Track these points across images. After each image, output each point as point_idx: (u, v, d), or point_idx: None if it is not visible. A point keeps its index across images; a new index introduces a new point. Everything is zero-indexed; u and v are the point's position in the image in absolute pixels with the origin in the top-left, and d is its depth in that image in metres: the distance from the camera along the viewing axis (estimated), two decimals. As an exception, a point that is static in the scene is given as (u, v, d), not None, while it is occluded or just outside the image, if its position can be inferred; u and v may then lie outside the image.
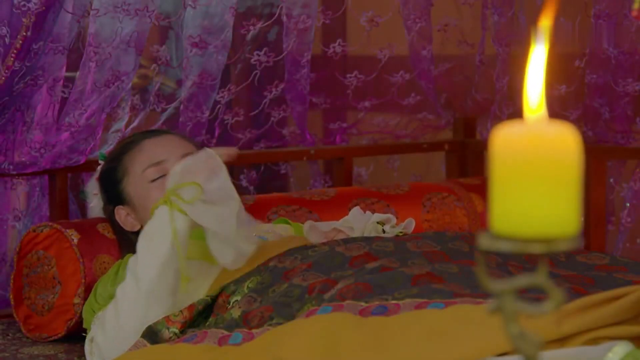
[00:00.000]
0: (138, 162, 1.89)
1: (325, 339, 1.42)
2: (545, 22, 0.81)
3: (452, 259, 1.64)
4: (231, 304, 1.63)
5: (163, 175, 1.82)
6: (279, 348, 1.44)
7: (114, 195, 1.92)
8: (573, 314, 1.34)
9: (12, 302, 1.99)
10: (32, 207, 2.13)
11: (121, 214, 1.90)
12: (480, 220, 2.31)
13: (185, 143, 1.93)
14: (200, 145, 1.97)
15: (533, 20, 2.39)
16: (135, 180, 1.88)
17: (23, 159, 2.06)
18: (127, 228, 1.90)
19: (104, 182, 1.94)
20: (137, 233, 1.81)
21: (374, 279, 1.55)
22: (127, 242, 1.91)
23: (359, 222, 1.90)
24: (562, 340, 1.32)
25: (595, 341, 1.33)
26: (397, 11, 2.40)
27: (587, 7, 2.36)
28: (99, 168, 1.97)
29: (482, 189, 2.36)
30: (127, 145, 1.94)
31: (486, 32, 2.48)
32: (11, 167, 2.05)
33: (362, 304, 1.47)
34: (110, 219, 1.95)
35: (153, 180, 1.86)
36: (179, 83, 2.28)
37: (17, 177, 2.09)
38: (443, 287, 1.49)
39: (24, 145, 2.05)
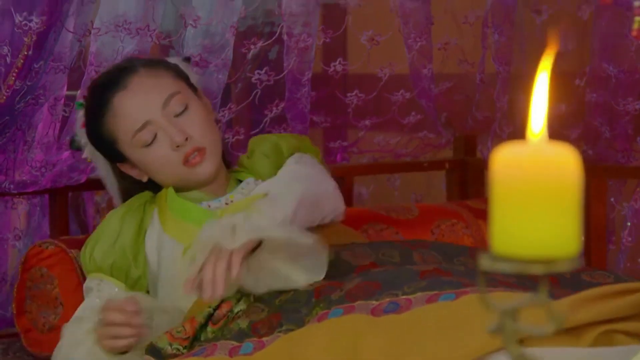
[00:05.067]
0: (120, 129, 1.80)
1: (343, 347, 1.41)
2: (547, 64, 0.81)
3: (459, 276, 1.64)
4: (236, 313, 1.61)
5: (156, 135, 1.78)
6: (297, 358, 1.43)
7: (111, 155, 1.87)
8: (589, 302, 1.34)
9: (14, 312, 1.99)
10: (32, 227, 2.13)
11: (125, 167, 1.87)
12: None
13: (156, 80, 1.81)
14: (173, 65, 1.88)
15: (533, 40, 2.40)
16: (129, 146, 1.81)
17: (24, 178, 2.06)
18: (136, 177, 1.86)
19: (95, 143, 1.86)
20: (143, 183, 1.84)
21: (381, 276, 1.55)
22: (133, 189, 1.89)
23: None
24: (576, 329, 1.31)
25: (608, 334, 1.32)
26: (397, 30, 2.40)
27: (587, 25, 2.36)
28: (81, 114, 1.90)
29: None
30: (98, 107, 1.82)
31: (486, 51, 2.48)
32: (12, 186, 2.05)
33: (373, 302, 1.47)
34: (112, 170, 1.92)
35: (148, 145, 1.79)
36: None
37: (17, 196, 2.10)
38: (452, 279, 1.50)
39: (24, 165, 2.05)
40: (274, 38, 2.30)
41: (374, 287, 1.51)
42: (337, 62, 2.41)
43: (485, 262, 0.84)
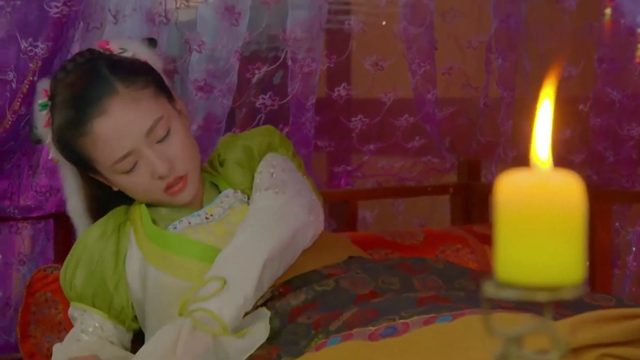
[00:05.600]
0: (99, 155, 1.70)
1: None
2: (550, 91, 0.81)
3: (457, 302, 1.63)
4: None
5: (137, 162, 1.70)
6: None
7: (82, 167, 1.77)
8: (589, 324, 1.33)
9: (18, 336, 1.98)
10: (36, 251, 2.13)
11: (97, 176, 1.77)
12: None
13: (138, 105, 1.69)
14: (148, 72, 1.75)
15: (537, 64, 2.41)
16: (106, 170, 1.72)
17: (28, 203, 2.06)
18: (106, 183, 1.78)
19: (66, 156, 1.76)
20: (113, 192, 1.77)
21: (379, 304, 1.55)
22: (101, 196, 1.81)
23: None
24: (575, 351, 1.31)
25: (606, 359, 1.32)
26: (401, 55, 2.41)
27: (590, 51, 2.37)
28: (44, 113, 1.77)
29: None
30: (74, 126, 1.70)
31: (490, 75, 2.49)
32: (16, 211, 2.05)
33: (370, 328, 1.46)
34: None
35: (128, 172, 1.72)
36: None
37: (22, 221, 2.10)
38: (450, 305, 1.49)
39: (29, 190, 2.06)
40: (278, 63, 2.30)
41: (371, 315, 1.51)
42: (341, 87, 2.41)
43: (489, 289, 0.84)
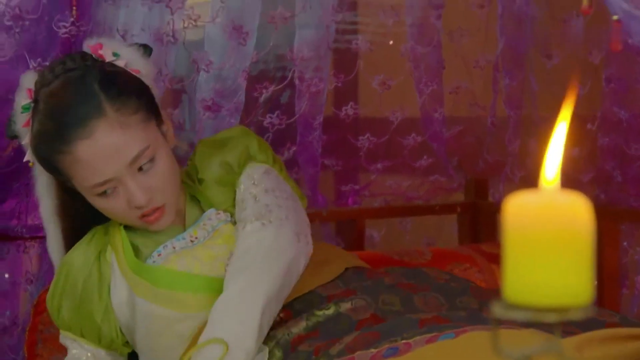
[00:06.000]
0: (78, 175, 1.62)
1: None
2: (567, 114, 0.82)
3: (458, 321, 1.63)
4: None
5: (116, 187, 1.62)
6: None
7: (64, 182, 1.70)
8: (596, 343, 1.33)
9: (26, 355, 1.98)
10: (44, 270, 2.13)
11: (74, 186, 1.69)
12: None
13: (126, 132, 1.59)
14: (139, 93, 1.65)
15: (544, 83, 2.41)
16: (83, 189, 1.65)
17: (36, 222, 2.07)
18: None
19: (44, 166, 1.68)
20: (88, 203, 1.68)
21: (381, 327, 1.54)
22: (76, 207, 1.73)
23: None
24: None
25: None
26: (409, 74, 2.42)
27: (598, 70, 2.37)
28: (25, 115, 1.69)
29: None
30: (56, 144, 1.61)
31: (497, 94, 2.49)
32: (24, 230, 2.05)
33: (372, 350, 1.46)
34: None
35: (106, 195, 1.64)
36: (192, 146, 2.29)
37: (29, 240, 2.10)
38: (451, 324, 1.49)
39: (37, 209, 2.06)
40: (285, 82, 2.31)
41: (373, 337, 1.50)
42: (349, 106, 2.42)
43: (498, 310, 0.84)
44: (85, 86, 1.61)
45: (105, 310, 1.73)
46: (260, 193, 1.73)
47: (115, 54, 1.69)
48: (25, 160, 1.71)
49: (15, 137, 1.71)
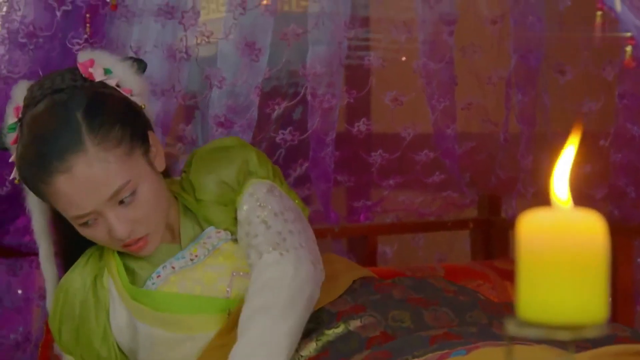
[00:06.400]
0: (59, 206, 1.59)
1: None
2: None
3: (469, 338, 1.62)
4: None
5: (97, 219, 1.59)
6: None
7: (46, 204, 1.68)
8: (608, 359, 1.32)
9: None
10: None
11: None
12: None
13: (105, 167, 1.55)
14: (123, 121, 1.60)
15: (557, 100, 2.40)
16: (66, 216, 1.62)
17: (49, 238, 2.07)
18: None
19: (32, 190, 1.64)
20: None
21: (391, 345, 1.53)
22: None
23: None
24: None
25: None
26: (421, 91, 2.42)
27: (611, 87, 2.37)
28: (12, 135, 1.66)
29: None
30: (37, 175, 1.58)
31: (510, 111, 2.49)
32: (37, 246, 2.05)
33: None
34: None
35: (88, 225, 1.61)
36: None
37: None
38: (463, 340, 1.48)
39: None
40: (298, 98, 2.31)
41: (383, 356, 1.49)
42: (361, 122, 2.42)
43: (511, 328, 0.83)
44: (68, 114, 1.57)
45: (104, 335, 1.71)
46: (270, 217, 1.68)
47: (107, 71, 1.65)
48: (11, 177, 1.68)
49: (6, 149, 1.68)
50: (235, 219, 1.71)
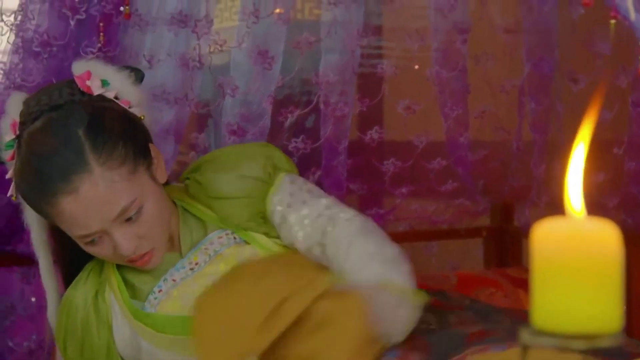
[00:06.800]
0: (62, 225, 1.57)
1: None
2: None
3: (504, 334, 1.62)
4: None
5: (102, 237, 1.58)
6: None
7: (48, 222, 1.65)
8: None
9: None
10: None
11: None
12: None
13: (111, 187, 1.52)
14: (125, 137, 1.57)
15: (570, 108, 2.40)
16: (70, 234, 1.60)
17: (62, 246, 2.08)
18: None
19: (32, 208, 1.61)
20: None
21: (429, 339, 1.53)
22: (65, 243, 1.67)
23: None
24: None
25: None
26: (433, 99, 2.41)
27: (625, 94, 2.36)
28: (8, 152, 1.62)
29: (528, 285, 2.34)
30: (39, 195, 1.54)
31: (523, 119, 2.48)
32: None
33: None
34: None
35: (92, 243, 1.59)
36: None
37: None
38: (500, 336, 1.48)
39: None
40: (310, 107, 2.31)
41: (422, 347, 1.49)
42: (374, 130, 2.42)
43: (525, 336, 0.83)
44: (69, 132, 1.52)
45: (107, 351, 1.70)
46: (322, 196, 1.71)
47: (104, 83, 1.62)
48: (9, 194, 1.65)
49: (1, 163, 1.65)
50: (259, 213, 1.69)
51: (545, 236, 0.80)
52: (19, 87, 1.88)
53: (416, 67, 2.40)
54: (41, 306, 2.12)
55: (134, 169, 1.56)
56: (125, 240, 1.57)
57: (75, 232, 1.56)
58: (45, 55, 1.89)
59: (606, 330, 0.81)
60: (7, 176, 1.62)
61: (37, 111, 1.57)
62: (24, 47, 1.87)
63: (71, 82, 1.62)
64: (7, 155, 1.61)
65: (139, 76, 1.67)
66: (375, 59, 2.41)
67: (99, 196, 1.52)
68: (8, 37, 1.87)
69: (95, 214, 1.53)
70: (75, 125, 1.53)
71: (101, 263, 1.74)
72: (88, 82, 1.60)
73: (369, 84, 2.40)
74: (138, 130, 1.61)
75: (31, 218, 1.72)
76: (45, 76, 1.88)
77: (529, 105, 2.46)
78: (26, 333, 2.14)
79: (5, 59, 1.89)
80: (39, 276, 2.12)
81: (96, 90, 1.61)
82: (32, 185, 1.54)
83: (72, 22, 1.87)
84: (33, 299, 2.14)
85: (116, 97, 1.63)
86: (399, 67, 2.38)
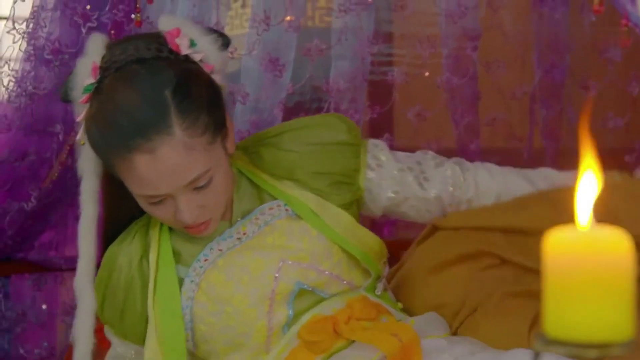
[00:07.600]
0: (131, 183, 1.52)
1: None
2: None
3: None
4: None
5: (166, 199, 1.54)
6: None
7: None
8: None
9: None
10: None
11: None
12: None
13: (189, 154, 1.49)
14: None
15: (582, 114, 2.39)
16: (131, 190, 1.55)
17: (73, 254, 2.08)
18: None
19: (99, 156, 1.56)
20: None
21: None
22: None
23: None
24: None
25: None
26: (444, 106, 2.41)
27: (636, 102, 2.35)
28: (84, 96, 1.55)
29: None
30: (113, 147, 1.49)
31: (534, 126, 2.48)
32: (62, 261, 2.07)
33: None
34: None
35: (154, 204, 1.55)
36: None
37: (67, 271, 2.11)
38: None
39: (74, 240, 2.07)
40: (321, 114, 2.31)
41: None
42: (384, 138, 2.41)
43: (538, 345, 0.83)
44: (155, 91, 1.48)
45: (148, 319, 1.65)
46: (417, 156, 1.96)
47: (192, 43, 1.55)
48: (77, 138, 1.58)
49: (68, 101, 1.58)
50: (337, 174, 1.71)
51: (557, 245, 0.80)
52: (30, 95, 1.89)
53: (427, 74, 2.40)
54: (52, 313, 2.12)
55: (213, 139, 1.52)
56: (189, 209, 1.53)
57: (141, 191, 1.52)
58: (57, 63, 1.89)
59: (618, 339, 0.81)
60: (78, 119, 1.55)
61: (122, 60, 1.52)
62: (35, 54, 1.88)
63: (158, 37, 1.55)
64: (82, 97, 1.54)
65: (225, 42, 1.61)
66: (385, 66, 2.40)
67: (175, 161, 1.48)
68: (20, 45, 1.88)
69: (168, 178, 1.49)
70: (162, 84, 1.48)
71: (147, 225, 1.69)
72: (177, 40, 1.54)
73: (379, 91, 2.40)
74: (220, 101, 1.57)
75: (86, 167, 1.63)
76: (57, 83, 1.89)
77: (540, 112, 2.45)
78: (37, 340, 2.14)
79: (17, 67, 1.89)
80: (50, 283, 2.13)
81: (184, 49, 1.55)
82: (109, 136, 1.49)
83: (83, 30, 1.88)
84: (44, 306, 2.14)
85: (201, 61, 1.57)
86: (410, 74, 2.38)
